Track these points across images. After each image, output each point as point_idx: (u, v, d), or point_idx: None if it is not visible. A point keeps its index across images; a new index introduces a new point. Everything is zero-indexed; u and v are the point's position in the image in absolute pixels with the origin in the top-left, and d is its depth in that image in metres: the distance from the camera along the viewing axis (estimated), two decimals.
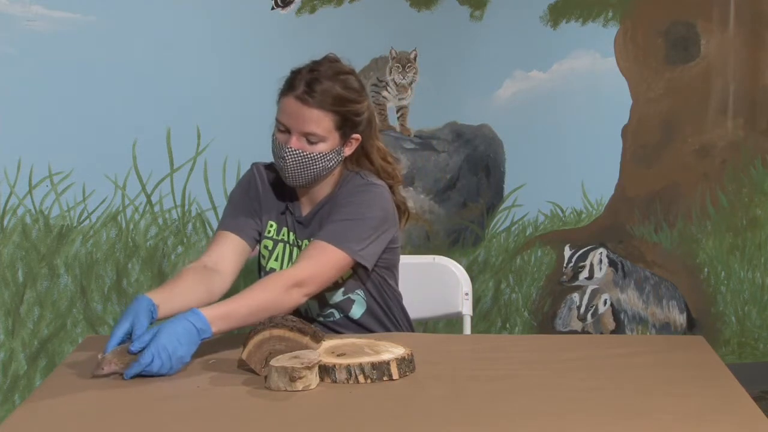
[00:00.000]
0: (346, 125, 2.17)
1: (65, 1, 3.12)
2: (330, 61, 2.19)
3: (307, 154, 2.14)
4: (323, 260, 2.11)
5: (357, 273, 2.23)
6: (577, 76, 3.58)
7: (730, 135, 3.69)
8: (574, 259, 3.67)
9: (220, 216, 3.31)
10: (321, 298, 2.23)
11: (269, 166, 2.32)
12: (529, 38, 3.53)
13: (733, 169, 3.70)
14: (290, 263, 2.25)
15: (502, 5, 3.49)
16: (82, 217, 3.22)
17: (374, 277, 2.26)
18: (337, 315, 2.27)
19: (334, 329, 2.27)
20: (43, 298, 3.20)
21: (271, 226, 2.29)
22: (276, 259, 2.28)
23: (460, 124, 3.55)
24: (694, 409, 1.64)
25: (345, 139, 2.19)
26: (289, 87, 2.15)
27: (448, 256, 2.72)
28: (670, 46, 3.63)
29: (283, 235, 2.28)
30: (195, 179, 3.30)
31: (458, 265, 2.63)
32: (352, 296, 2.25)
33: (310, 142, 2.14)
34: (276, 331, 1.83)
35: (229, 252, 2.22)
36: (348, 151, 2.22)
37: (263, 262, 2.30)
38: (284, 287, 2.03)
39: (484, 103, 3.54)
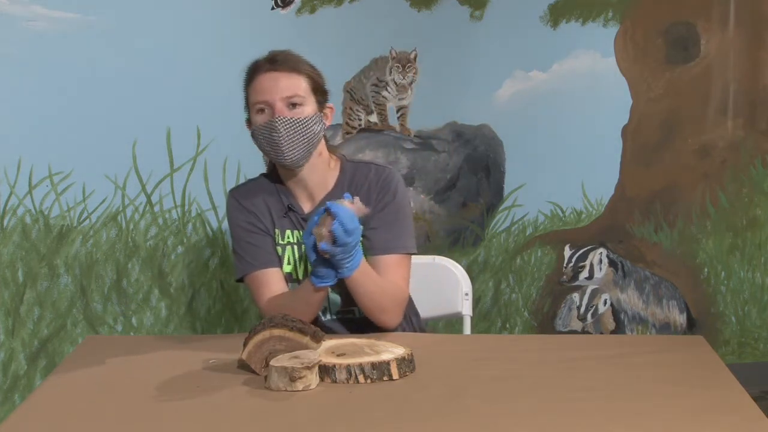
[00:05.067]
0: (318, 92, 2.22)
1: (65, 1, 3.12)
2: (282, 50, 2.26)
3: (297, 119, 2.17)
4: (406, 273, 2.25)
5: None
6: (577, 76, 3.58)
7: (730, 135, 3.69)
8: (574, 259, 3.67)
9: (219, 216, 3.32)
10: (347, 295, 2.23)
11: (245, 185, 2.37)
12: (529, 38, 3.53)
13: (733, 169, 3.70)
14: (303, 263, 2.26)
15: (502, 5, 3.49)
16: (82, 217, 3.22)
17: None
18: (357, 313, 2.27)
19: (346, 328, 2.28)
20: (43, 298, 3.20)
21: (276, 233, 2.29)
22: (288, 263, 2.28)
23: (460, 124, 3.55)
24: (694, 409, 1.64)
25: (321, 107, 2.23)
26: (253, 70, 2.22)
27: (448, 256, 2.72)
28: (670, 46, 3.63)
29: (288, 238, 2.28)
30: (195, 179, 3.30)
31: (458, 265, 2.63)
32: None
33: (294, 106, 2.17)
34: (276, 331, 1.83)
35: (279, 287, 2.25)
36: (327, 122, 2.25)
37: None
38: (397, 309, 2.23)
39: (484, 103, 3.54)
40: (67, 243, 3.21)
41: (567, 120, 3.58)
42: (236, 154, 3.29)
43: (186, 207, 3.31)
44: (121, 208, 3.25)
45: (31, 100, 3.12)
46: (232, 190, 2.36)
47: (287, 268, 2.27)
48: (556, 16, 3.54)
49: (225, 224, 3.33)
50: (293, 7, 3.33)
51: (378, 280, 2.18)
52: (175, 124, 3.26)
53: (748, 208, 3.73)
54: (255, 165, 3.34)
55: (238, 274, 2.30)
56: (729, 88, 3.66)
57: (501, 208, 3.61)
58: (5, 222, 3.16)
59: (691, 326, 3.74)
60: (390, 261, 2.22)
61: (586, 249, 3.67)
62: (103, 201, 3.24)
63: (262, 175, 2.37)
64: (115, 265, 3.26)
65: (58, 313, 3.22)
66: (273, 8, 3.31)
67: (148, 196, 3.27)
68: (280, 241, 2.28)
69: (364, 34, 3.38)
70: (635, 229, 3.69)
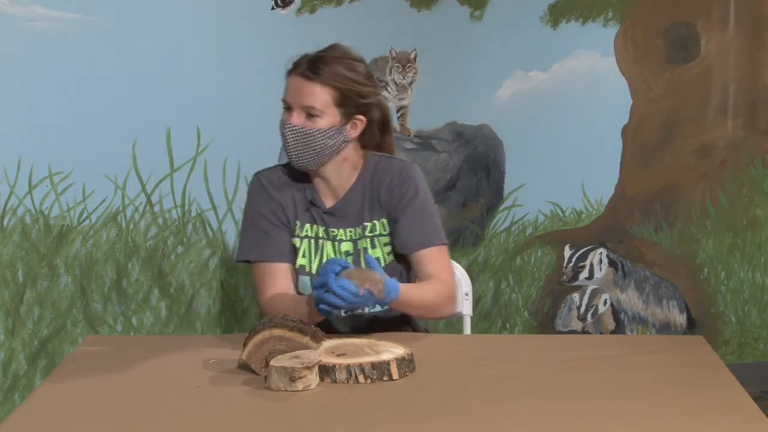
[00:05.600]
0: (347, 103, 2.19)
1: (65, 1, 3.12)
2: (338, 46, 2.24)
3: (306, 131, 2.17)
4: (447, 262, 2.30)
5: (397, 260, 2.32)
6: (577, 76, 3.58)
7: (730, 135, 3.69)
8: (574, 259, 3.67)
9: (219, 216, 3.32)
10: None
11: (273, 170, 2.33)
12: (529, 38, 3.53)
13: (733, 169, 3.70)
14: (317, 258, 2.26)
15: (502, 5, 3.49)
16: (82, 217, 3.22)
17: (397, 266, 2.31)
18: (379, 306, 2.25)
19: (361, 325, 2.27)
20: (43, 298, 3.20)
21: (296, 224, 2.28)
22: (303, 256, 2.27)
23: (460, 124, 3.55)
24: (694, 409, 1.64)
25: (347, 118, 2.20)
26: (294, 66, 2.20)
27: None
28: (670, 46, 3.63)
29: (307, 231, 2.27)
30: (195, 179, 3.30)
31: (458, 265, 2.63)
32: None
33: (310, 117, 2.17)
34: (276, 331, 1.83)
35: (285, 285, 2.24)
36: (353, 132, 2.23)
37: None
38: (449, 300, 2.25)
39: (484, 103, 3.54)
40: (67, 243, 3.21)
41: (567, 120, 3.58)
42: (236, 154, 3.29)
43: (186, 207, 3.31)
44: (121, 208, 3.25)
45: (31, 100, 3.12)
46: (259, 174, 2.34)
47: (302, 261, 2.27)
48: (556, 16, 3.54)
49: (225, 224, 3.33)
50: (293, 7, 3.32)
51: (423, 295, 2.19)
52: (175, 124, 3.26)
53: (748, 208, 3.73)
54: (255, 165, 3.33)
55: (244, 255, 2.28)
56: (729, 88, 3.66)
57: (501, 208, 3.61)
58: (5, 222, 3.16)
59: (691, 326, 3.74)
60: (431, 253, 2.26)
61: (586, 249, 3.67)
62: (103, 201, 3.23)
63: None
64: (115, 265, 3.26)
65: (58, 313, 3.22)
66: (273, 8, 3.31)
67: (148, 196, 3.27)
68: (299, 233, 2.27)
69: (364, 34, 3.38)
70: (635, 229, 3.69)
